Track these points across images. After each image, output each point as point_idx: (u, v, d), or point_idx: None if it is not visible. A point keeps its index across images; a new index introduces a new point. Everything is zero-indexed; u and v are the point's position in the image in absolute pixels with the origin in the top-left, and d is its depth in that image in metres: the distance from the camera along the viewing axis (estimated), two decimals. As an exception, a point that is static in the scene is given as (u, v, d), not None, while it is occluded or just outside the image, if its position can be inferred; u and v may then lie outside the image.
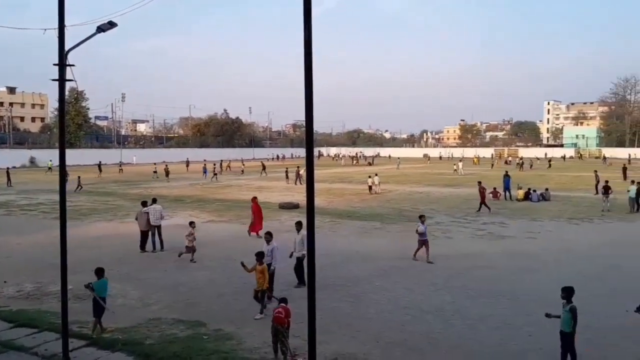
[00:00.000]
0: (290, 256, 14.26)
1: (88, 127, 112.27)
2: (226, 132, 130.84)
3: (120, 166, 71.05)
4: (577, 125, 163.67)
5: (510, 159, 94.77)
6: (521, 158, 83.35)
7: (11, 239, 21.14)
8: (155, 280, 15.10)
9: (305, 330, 7.84)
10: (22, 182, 49.98)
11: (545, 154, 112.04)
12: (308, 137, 7.77)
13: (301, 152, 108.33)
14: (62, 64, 9.44)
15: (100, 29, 10.39)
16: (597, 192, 35.26)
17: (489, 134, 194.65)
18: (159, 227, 19.06)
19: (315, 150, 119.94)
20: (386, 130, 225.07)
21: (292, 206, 29.90)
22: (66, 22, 9.36)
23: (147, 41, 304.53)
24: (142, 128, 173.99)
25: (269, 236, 13.68)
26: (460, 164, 63.66)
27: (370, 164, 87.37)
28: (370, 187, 39.48)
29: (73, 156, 71.52)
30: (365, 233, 22.51)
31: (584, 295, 11.04)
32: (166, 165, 59.23)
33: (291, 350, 9.43)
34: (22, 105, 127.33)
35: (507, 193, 34.77)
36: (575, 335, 8.77)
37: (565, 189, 42.03)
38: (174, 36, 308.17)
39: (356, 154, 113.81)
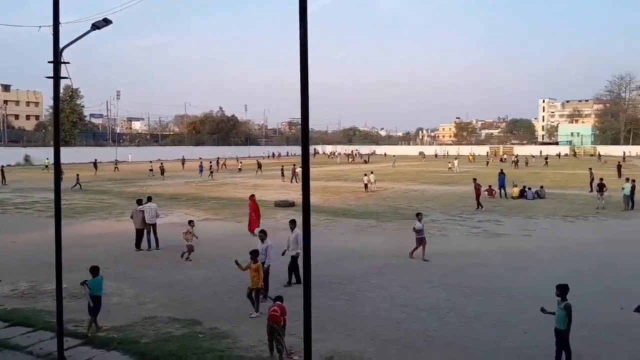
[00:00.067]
0: (283, 254, 14.25)
1: (83, 125, 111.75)
2: (222, 130, 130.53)
3: (116, 164, 70.81)
4: (572, 123, 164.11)
5: (505, 156, 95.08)
6: (516, 156, 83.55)
7: (6, 237, 21.05)
8: (150, 278, 15.07)
9: (301, 328, 7.85)
10: (17, 181, 49.79)
11: (540, 152, 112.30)
12: (304, 135, 7.77)
13: (297, 150, 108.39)
14: (57, 62, 9.40)
15: (95, 26, 10.35)
16: (591, 190, 35.38)
17: (484, 131, 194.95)
18: (154, 225, 19.02)
19: (311, 148, 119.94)
20: (382, 128, 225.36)
21: (288, 204, 29.87)
22: (61, 20, 9.33)
23: (142, 39, 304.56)
24: (137, 126, 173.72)
25: (263, 235, 13.68)
26: (456, 162, 63.75)
27: (365, 162, 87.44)
28: (366, 185, 39.50)
29: (68, 154, 71.67)
30: (360, 231, 22.53)
31: (578, 292, 11.09)
32: (161, 163, 59.09)
33: (287, 348, 9.44)
34: (17, 103, 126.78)
35: (502, 191, 34.82)
36: (570, 333, 8.80)
37: (560, 186, 42.15)
38: (168, 34, 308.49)
39: (352, 151, 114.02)
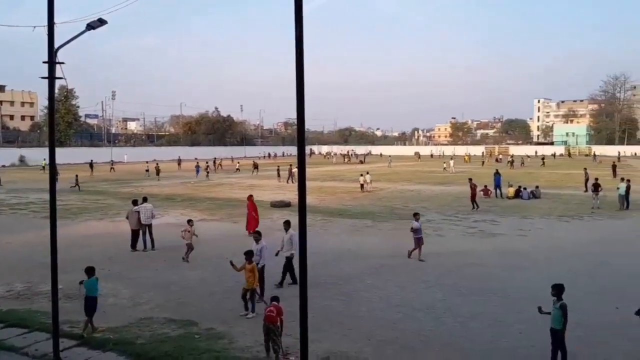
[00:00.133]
0: (277, 254, 14.23)
1: (78, 125, 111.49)
2: (217, 130, 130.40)
3: (112, 165, 70.65)
4: (567, 123, 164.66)
5: (500, 156, 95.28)
6: (512, 156, 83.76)
7: (1, 238, 20.95)
8: (146, 279, 15.05)
9: (297, 329, 7.85)
10: (12, 181, 49.62)
11: (536, 152, 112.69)
12: (300, 136, 7.77)
13: (293, 150, 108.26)
14: (52, 62, 9.38)
15: (90, 26, 10.32)
16: (586, 190, 35.50)
17: (479, 131, 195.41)
18: (149, 226, 18.99)
19: (307, 149, 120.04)
20: (378, 128, 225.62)
21: (284, 204, 29.86)
22: (56, 20, 9.31)
23: (138, 40, 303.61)
24: (132, 126, 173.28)
25: (257, 235, 13.69)
26: (452, 162, 63.85)
27: (361, 162, 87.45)
28: (361, 185, 39.52)
29: (63, 155, 71.37)
30: (356, 231, 22.54)
31: (574, 292, 11.12)
32: (157, 164, 59.00)
33: (283, 348, 9.43)
34: (12, 103, 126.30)
35: (498, 191, 34.90)
36: (565, 333, 8.82)
37: (556, 186, 42.28)
38: (167, 35, 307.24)
39: (348, 152, 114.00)
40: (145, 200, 19.87)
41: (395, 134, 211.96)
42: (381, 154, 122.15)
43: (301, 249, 7.65)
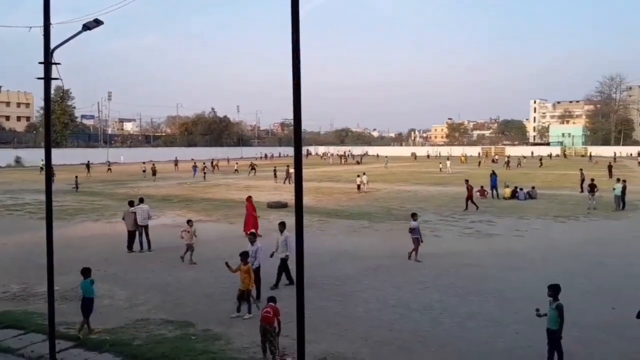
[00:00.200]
0: (271, 256, 14.21)
1: (74, 126, 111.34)
2: (214, 130, 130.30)
3: (109, 165, 70.54)
4: (563, 123, 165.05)
5: (497, 157, 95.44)
6: (508, 156, 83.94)
7: (-4, 239, 20.92)
8: (142, 280, 15.02)
9: (294, 330, 7.85)
10: (8, 182, 49.47)
11: (532, 153, 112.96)
12: (296, 136, 7.77)
13: (289, 151, 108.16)
14: (48, 62, 9.36)
15: (86, 27, 10.29)
16: (582, 190, 35.59)
17: (476, 132, 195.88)
18: (146, 227, 18.95)
19: (304, 149, 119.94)
20: (374, 129, 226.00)
21: (281, 205, 29.84)
22: (52, 20, 9.29)
23: (137, 40, 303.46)
24: (128, 127, 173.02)
25: (252, 237, 13.71)
26: (448, 163, 63.91)
27: (358, 163, 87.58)
28: (358, 186, 39.54)
29: (60, 155, 71.38)
30: (353, 232, 22.54)
31: (570, 293, 11.16)
32: (153, 164, 58.94)
33: (280, 349, 9.43)
34: (8, 104, 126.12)
35: (494, 191, 34.96)
36: (562, 333, 8.84)
37: (552, 187, 42.36)
38: (164, 35, 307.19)
39: (344, 152, 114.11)
40: (141, 201, 19.84)
41: (392, 134, 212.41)
42: (378, 155, 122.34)
43: (298, 250, 7.65)
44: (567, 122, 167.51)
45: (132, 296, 13.46)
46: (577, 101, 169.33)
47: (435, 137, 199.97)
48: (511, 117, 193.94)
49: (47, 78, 9.44)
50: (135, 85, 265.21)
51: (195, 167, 57.50)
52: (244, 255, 12.18)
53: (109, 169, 66.60)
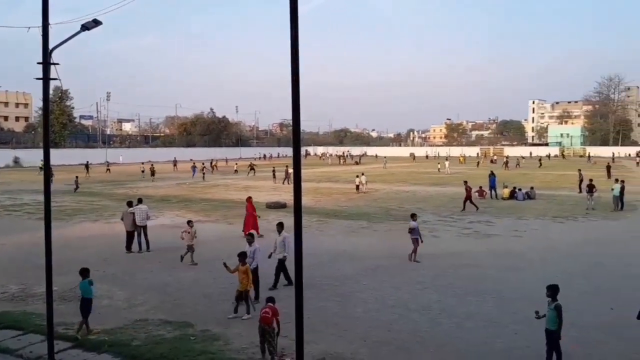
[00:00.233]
0: (269, 257, 14.21)
1: (73, 126, 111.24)
2: (213, 131, 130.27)
3: (107, 166, 70.49)
4: (561, 124, 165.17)
5: (495, 157, 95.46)
6: (507, 157, 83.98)
7: (-5, 239, 20.89)
8: (141, 280, 15.01)
9: (293, 330, 7.84)
10: (6, 183, 49.42)
11: (530, 153, 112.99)
12: (295, 137, 7.77)
13: (288, 151, 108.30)
14: (47, 63, 9.35)
15: (85, 27, 10.28)
16: (580, 191, 35.62)
17: (474, 132, 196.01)
18: (144, 227, 18.94)
19: (302, 150, 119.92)
20: (373, 130, 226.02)
21: (280, 206, 29.84)
22: (51, 20, 9.28)
23: (137, 40, 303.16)
24: (127, 127, 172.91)
25: (250, 238, 13.70)
26: (447, 163, 63.93)
27: (357, 163, 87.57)
28: (357, 186, 39.54)
29: (58, 156, 71.21)
30: (352, 232, 22.54)
31: (569, 293, 11.15)
32: (152, 165, 58.91)
33: (278, 350, 9.43)
34: (6, 104, 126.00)
35: (493, 192, 34.97)
36: (560, 333, 8.84)
37: (550, 187, 42.39)
38: (164, 35, 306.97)
39: (343, 153, 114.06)
40: (140, 201, 19.83)
41: (391, 135, 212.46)
42: (376, 155, 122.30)
43: (297, 250, 7.64)
44: (566, 122, 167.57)
45: (130, 296, 13.45)
46: (576, 102, 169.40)
47: (434, 137, 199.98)
48: (510, 117, 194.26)
49: (46, 78, 9.43)
50: (134, 85, 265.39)
51: (194, 167, 57.50)
52: (242, 256, 12.18)
53: (108, 170, 66.53)
